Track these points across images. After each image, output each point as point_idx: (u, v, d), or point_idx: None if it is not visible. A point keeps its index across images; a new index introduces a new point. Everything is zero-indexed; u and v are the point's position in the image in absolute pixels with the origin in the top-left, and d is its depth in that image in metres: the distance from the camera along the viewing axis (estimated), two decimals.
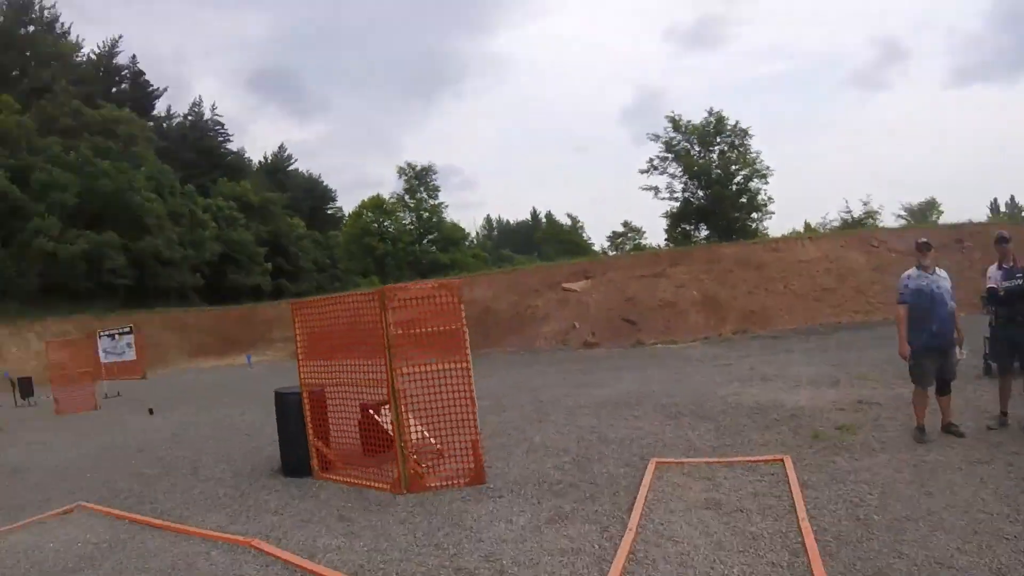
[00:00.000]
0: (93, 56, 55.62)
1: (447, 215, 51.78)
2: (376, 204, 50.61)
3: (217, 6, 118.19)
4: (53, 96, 43.19)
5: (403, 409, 6.70)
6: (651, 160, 41.80)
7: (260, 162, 73.34)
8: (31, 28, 48.08)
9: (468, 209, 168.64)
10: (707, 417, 8.46)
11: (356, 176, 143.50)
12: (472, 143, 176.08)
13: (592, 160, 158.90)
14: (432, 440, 7.07)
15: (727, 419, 8.23)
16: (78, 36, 53.43)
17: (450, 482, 6.50)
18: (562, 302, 24.92)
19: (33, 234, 35.84)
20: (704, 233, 41.33)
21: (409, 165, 50.82)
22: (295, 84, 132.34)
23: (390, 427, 6.78)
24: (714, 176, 39.75)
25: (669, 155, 41.08)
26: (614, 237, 52.17)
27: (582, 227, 63.87)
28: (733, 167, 39.67)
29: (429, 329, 6.89)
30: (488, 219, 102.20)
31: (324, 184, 75.49)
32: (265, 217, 56.19)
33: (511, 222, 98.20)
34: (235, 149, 67.73)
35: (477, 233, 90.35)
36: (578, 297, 24.65)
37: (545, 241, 58.15)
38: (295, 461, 7.60)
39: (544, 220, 72.48)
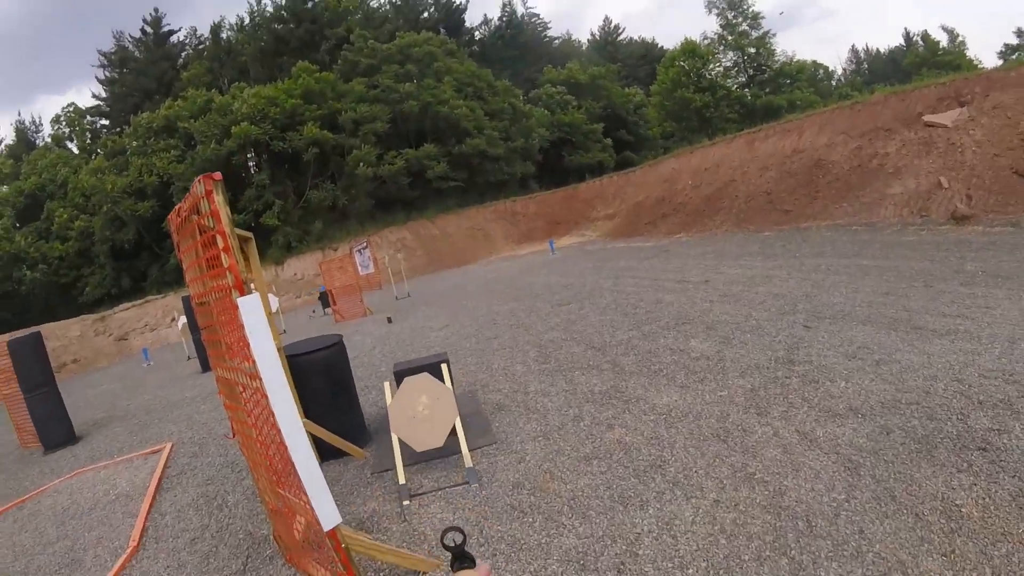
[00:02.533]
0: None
1: (785, 49, 42.24)
2: (689, 49, 42.22)
3: None
4: (351, 46, 46.17)
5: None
6: None
7: (587, 40, 75.17)
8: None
9: (831, 43, 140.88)
10: None
11: (697, 33, 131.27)
12: None
13: None
14: None
15: None
16: None
17: None
18: (924, 146, 16.38)
19: (355, 165, 39.83)
20: None
21: None
22: None
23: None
24: None
25: None
26: (1006, 52, 38.11)
27: (963, 44, 48.48)
28: None
29: None
30: (853, 50, 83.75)
31: (661, 47, 70.94)
32: (597, 93, 55.41)
33: (880, 50, 78.28)
34: (557, 36, 69.56)
35: (844, 69, 75.81)
36: (948, 136, 15.88)
37: (917, 67, 44.14)
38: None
39: (920, 42, 56.03)
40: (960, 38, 50.40)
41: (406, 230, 38.42)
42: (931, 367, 5.13)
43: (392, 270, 26.27)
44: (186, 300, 15.74)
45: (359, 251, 23.17)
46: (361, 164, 39.41)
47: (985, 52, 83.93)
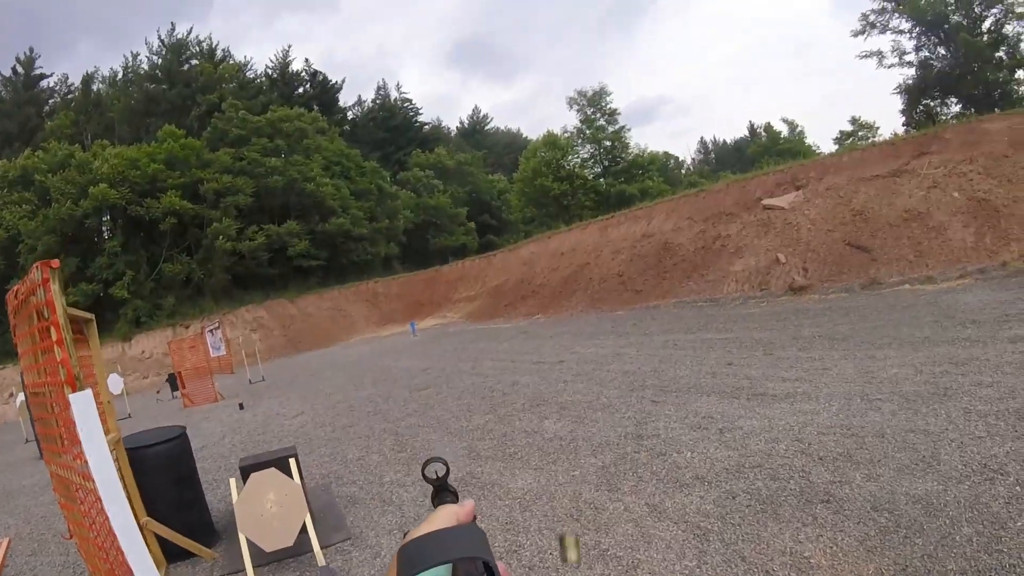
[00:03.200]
0: (269, 71, 59.72)
1: (639, 142, 46.12)
2: (550, 141, 45.24)
3: None
4: (222, 114, 45.49)
5: None
6: (865, 16, 31.55)
7: (456, 128, 78.26)
8: (193, 62, 51.68)
9: (684, 136, 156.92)
10: None
11: (559, 126, 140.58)
12: (680, 67, 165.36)
13: (812, 62, 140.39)
14: None
15: None
16: (246, 56, 60.53)
17: None
18: (762, 227, 18.20)
19: (213, 238, 38.46)
20: (955, 108, 30.42)
21: (579, 93, 45.12)
22: (493, 49, 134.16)
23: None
24: (953, 24, 28.83)
25: (888, 3, 30.57)
26: (841, 139, 43.91)
27: (802, 133, 54.93)
28: (976, 6, 28.36)
29: None
30: (702, 141, 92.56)
31: (525, 137, 75.64)
32: (462, 178, 57.45)
33: (727, 142, 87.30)
34: (428, 121, 71.25)
35: (693, 159, 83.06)
36: (784, 217, 17.80)
37: (760, 155, 49.35)
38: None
39: (763, 133, 63.11)
40: (799, 128, 56.84)
41: (264, 309, 37.01)
42: (772, 430, 5.46)
43: (247, 351, 25.02)
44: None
45: (210, 331, 21.93)
46: (221, 237, 38.03)
47: (823, 139, 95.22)
